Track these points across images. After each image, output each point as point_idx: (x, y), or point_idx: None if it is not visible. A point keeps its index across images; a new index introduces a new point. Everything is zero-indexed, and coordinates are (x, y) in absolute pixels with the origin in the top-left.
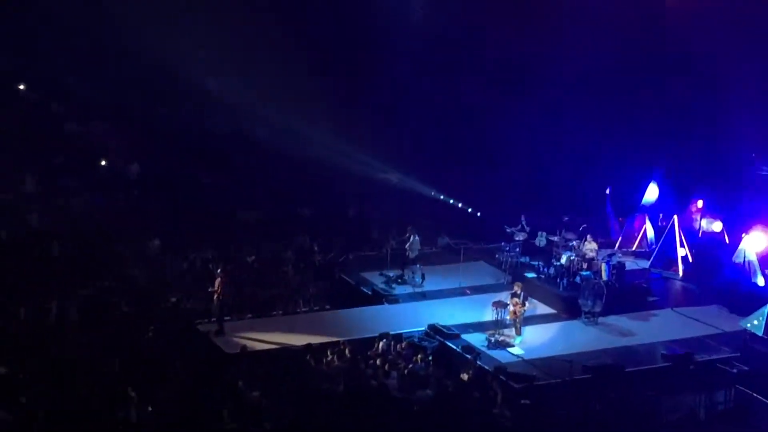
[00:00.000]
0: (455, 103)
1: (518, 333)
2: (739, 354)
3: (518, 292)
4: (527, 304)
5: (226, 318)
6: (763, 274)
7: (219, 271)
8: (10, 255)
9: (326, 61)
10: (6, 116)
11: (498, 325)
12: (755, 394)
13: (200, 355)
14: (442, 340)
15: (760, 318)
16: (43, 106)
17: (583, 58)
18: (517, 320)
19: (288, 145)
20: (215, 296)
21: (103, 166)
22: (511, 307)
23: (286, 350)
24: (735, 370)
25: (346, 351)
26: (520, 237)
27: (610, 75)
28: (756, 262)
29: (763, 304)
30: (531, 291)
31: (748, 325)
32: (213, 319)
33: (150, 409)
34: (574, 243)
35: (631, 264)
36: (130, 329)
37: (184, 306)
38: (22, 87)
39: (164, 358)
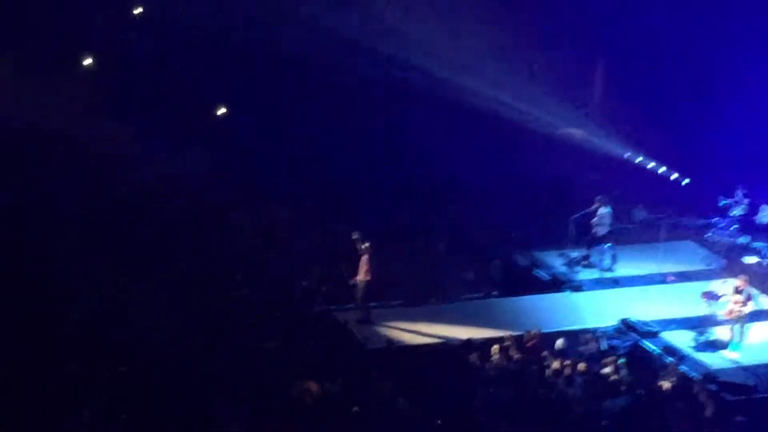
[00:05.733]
0: (661, 38)
1: (734, 338)
2: None
3: (741, 287)
4: (751, 304)
5: (371, 305)
6: None
7: (366, 246)
8: (104, 221)
9: None
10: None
11: (708, 322)
12: None
13: (336, 349)
14: (637, 338)
15: None
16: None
17: None
18: (735, 323)
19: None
20: (363, 274)
21: (217, 115)
22: (729, 305)
23: (441, 346)
24: None
25: (514, 349)
26: (738, 212)
27: None
28: None
29: None
30: (752, 280)
31: None
32: (353, 306)
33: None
34: None
35: None
36: (250, 320)
37: (317, 290)
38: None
39: (290, 354)
